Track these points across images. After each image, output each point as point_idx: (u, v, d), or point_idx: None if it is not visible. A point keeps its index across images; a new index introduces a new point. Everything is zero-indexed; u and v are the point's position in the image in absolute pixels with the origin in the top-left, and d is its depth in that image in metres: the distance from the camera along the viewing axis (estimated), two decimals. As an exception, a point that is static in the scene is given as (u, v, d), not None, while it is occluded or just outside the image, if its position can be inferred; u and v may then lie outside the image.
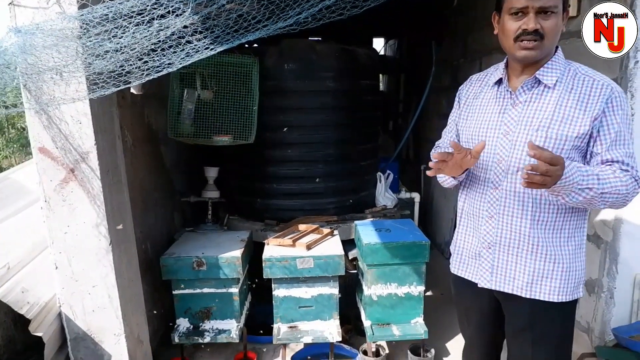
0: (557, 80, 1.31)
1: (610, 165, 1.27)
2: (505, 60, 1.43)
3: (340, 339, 2.35)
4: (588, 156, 1.32)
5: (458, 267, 1.56)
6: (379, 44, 7.12)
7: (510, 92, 1.38)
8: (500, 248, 1.41)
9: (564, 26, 1.30)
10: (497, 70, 1.44)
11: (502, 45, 1.35)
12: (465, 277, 1.53)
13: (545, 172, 1.10)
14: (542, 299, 1.38)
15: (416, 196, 3.75)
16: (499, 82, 1.41)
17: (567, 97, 1.29)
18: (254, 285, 2.70)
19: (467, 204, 1.51)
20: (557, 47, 1.35)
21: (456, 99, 1.63)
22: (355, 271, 2.69)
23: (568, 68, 1.33)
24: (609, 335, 2.20)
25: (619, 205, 1.27)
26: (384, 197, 3.40)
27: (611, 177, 1.22)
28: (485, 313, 1.55)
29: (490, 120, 1.40)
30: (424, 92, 4.05)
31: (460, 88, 1.61)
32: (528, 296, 1.38)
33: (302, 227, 2.69)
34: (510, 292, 1.41)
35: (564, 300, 1.37)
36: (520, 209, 1.35)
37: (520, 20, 1.25)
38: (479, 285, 1.48)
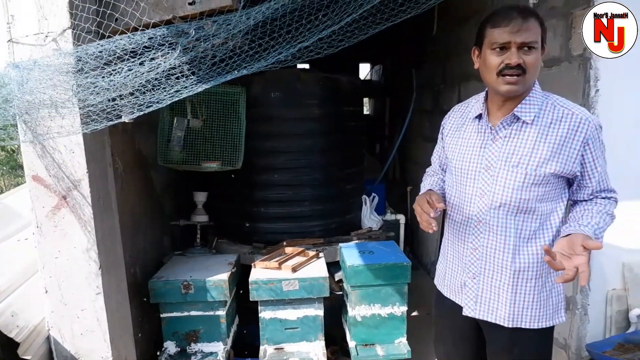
0: (535, 116, 1.33)
1: (597, 197, 1.38)
2: (484, 94, 1.46)
3: (325, 360, 2.40)
4: (575, 185, 1.40)
5: (449, 291, 1.58)
6: (365, 68, 7.34)
7: (491, 127, 1.40)
8: (484, 279, 1.44)
9: (541, 62, 1.35)
10: (477, 103, 1.46)
11: (484, 80, 1.38)
12: (450, 298, 1.56)
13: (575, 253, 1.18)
14: (523, 327, 1.42)
15: (401, 218, 3.85)
16: (479, 116, 1.44)
17: (546, 133, 1.32)
18: (244, 308, 2.74)
19: (452, 234, 1.54)
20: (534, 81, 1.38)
21: (440, 129, 1.67)
22: (342, 293, 2.75)
23: (546, 102, 1.36)
24: (585, 351, 2.28)
25: None
26: (370, 219, 3.48)
27: (603, 214, 1.33)
28: (466, 334, 1.57)
29: (472, 154, 1.43)
30: (407, 116, 4.20)
31: (444, 118, 1.65)
32: (511, 326, 1.42)
33: (288, 250, 2.76)
34: (493, 321, 1.45)
35: (543, 327, 1.42)
36: (502, 242, 1.39)
37: (503, 55, 1.27)
38: (463, 313, 1.51)
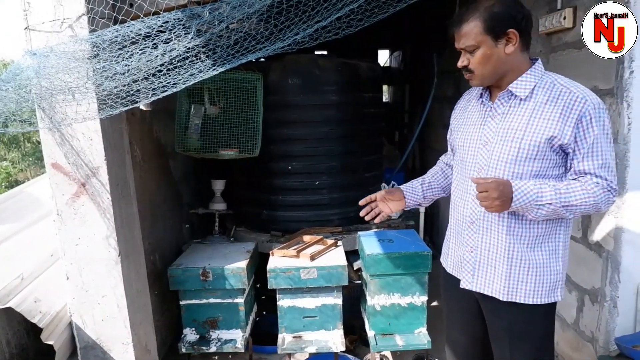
0: (530, 93, 1.37)
1: (582, 176, 1.32)
2: None
3: (344, 349, 2.38)
4: (569, 166, 1.37)
5: (452, 267, 1.62)
6: (384, 55, 7.21)
7: (490, 105, 1.46)
8: (481, 252, 1.47)
9: (513, 46, 1.34)
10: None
11: None
12: (454, 275, 1.59)
13: (487, 197, 1.27)
14: (518, 301, 1.43)
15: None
16: (482, 95, 1.51)
17: (542, 109, 1.34)
18: (263, 297, 2.74)
19: (453, 210, 1.59)
20: (536, 60, 1.40)
21: (452, 112, 1.72)
22: (360, 282, 2.72)
23: (545, 80, 1.37)
24: (614, 345, 2.20)
25: (593, 213, 1.37)
26: (389, 207, 3.43)
27: (577, 190, 1.29)
28: (473, 313, 1.59)
29: (472, 132, 1.49)
30: (427, 102, 4.10)
31: (456, 103, 1.71)
32: (506, 299, 1.44)
33: (306, 238, 2.74)
34: (490, 294, 1.47)
35: (538, 303, 1.42)
36: (497, 215, 1.42)
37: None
38: (461, 286, 1.54)
